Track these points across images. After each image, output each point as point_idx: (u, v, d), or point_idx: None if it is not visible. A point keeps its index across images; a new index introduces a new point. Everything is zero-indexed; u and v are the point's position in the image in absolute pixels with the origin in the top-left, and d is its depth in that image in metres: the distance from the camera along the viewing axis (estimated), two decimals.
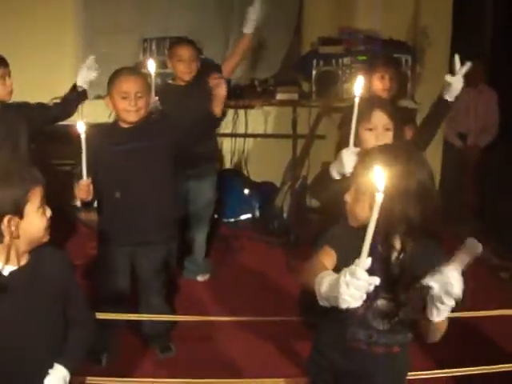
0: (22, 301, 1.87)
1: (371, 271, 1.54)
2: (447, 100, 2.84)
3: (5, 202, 1.80)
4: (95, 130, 2.82)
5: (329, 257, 1.87)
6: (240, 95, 5.20)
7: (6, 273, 1.86)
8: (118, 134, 3.10)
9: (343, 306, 1.56)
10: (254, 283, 4.20)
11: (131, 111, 3.01)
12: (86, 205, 2.89)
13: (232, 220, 5.25)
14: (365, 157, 1.92)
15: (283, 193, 5.15)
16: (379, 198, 1.50)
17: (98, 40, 5.15)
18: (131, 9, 5.22)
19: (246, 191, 5.34)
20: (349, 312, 1.64)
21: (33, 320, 1.89)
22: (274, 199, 5.17)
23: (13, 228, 1.81)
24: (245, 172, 5.57)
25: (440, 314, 1.69)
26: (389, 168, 1.61)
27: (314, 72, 5.18)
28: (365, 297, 1.56)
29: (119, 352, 3.32)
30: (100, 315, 2.66)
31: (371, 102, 2.71)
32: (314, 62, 5.18)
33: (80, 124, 2.57)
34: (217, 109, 3.17)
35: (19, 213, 1.82)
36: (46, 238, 1.91)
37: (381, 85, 3.62)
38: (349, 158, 2.41)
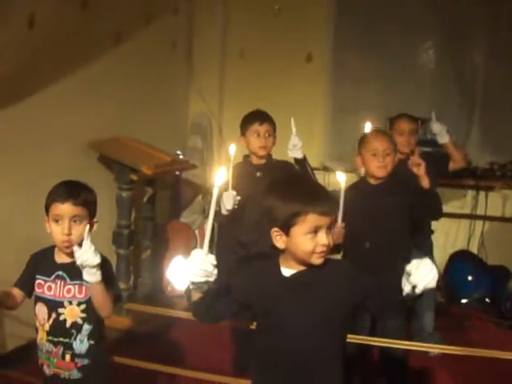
0: (299, 299, 2.09)
1: None
2: None
3: (279, 216, 2.06)
4: (350, 186, 3.15)
5: None
6: (480, 176, 5.35)
7: (287, 274, 2.13)
8: (368, 189, 3.40)
9: None
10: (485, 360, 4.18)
11: (381, 167, 3.31)
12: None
13: (462, 300, 5.29)
14: None
15: None
16: None
17: (345, 117, 5.64)
18: (378, 90, 5.67)
19: (478, 273, 5.35)
20: None
21: (309, 318, 2.08)
22: (508, 282, 5.14)
23: (277, 240, 2.09)
24: (480, 254, 5.56)
25: None
26: None
27: None
28: None
29: None
30: None
31: None
32: None
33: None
34: (424, 182, 3.39)
35: (285, 230, 2.07)
36: (316, 261, 2.05)
37: None
38: None
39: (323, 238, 2.03)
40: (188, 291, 2.16)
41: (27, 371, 3.35)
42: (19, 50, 3.61)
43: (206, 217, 5.67)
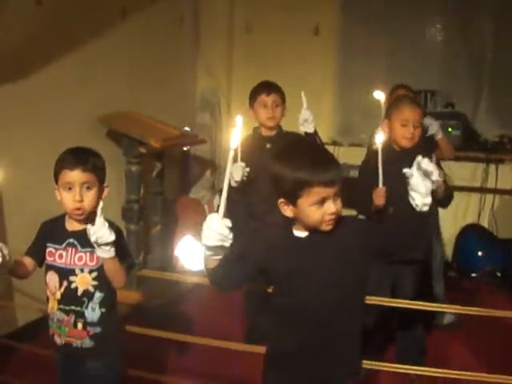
0: (315, 258, 2.10)
1: None
2: None
3: (285, 187, 2.04)
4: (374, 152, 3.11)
5: None
6: (490, 149, 5.32)
7: (302, 236, 2.12)
8: (392, 155, 3.31)
9: None
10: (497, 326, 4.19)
11: (407, 138, 3.29)
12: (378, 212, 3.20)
13: (473, 274, 5.29)
14: None
15: None
16: None
17: (353, 91, 5.63)
18: (386, 64, 5.66)
19: (489, 247, 5.34)
20: None
21: (323, 277, 2.08)
22: None
23: (285, 210, 2.08)
24: (491, 228, 5.54)
25: None
26: None
27: None
28: None
29: None
30: None
31: None
32: None
33: None
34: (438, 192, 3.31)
35: (292, 201, 2.05)
36: (326, 228, 2.04)
37: None
38: None
39: (331, 207, 2.02)
40: (205, 259, 2.14)
41: (39, 345, 3.36)
42: (26, 26, 3.60)
43: (216, 192, 5.68)
